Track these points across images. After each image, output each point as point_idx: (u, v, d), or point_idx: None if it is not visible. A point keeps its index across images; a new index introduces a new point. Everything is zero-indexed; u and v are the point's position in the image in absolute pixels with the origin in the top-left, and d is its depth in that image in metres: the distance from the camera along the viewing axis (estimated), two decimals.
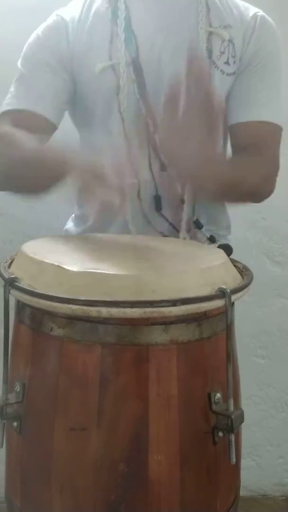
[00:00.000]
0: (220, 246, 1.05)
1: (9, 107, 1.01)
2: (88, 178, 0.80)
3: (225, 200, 1.04)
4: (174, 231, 1.03)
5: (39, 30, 1.04)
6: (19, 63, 1.04)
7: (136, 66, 0.98)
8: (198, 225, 1.04)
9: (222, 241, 1.09)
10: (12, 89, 1.03)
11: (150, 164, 1.00)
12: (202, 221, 1.04)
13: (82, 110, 1.05)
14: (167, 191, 1.01)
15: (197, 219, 1.04)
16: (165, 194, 1.02)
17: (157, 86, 0.98)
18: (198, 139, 0.83)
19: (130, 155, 0.98)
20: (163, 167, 1.00)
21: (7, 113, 1.01)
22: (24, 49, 1.04)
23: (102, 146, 1.03)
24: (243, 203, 1.05)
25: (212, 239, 1.06)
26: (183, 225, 1.02)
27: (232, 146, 1.06)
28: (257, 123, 1.02)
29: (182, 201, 1.02)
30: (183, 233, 1.02)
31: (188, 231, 1.03)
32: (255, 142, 1.01)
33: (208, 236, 1.06)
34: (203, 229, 1.05)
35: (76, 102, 1.05)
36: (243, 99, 1.03)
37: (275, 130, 1.04)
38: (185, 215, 1.02)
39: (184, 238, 1.02)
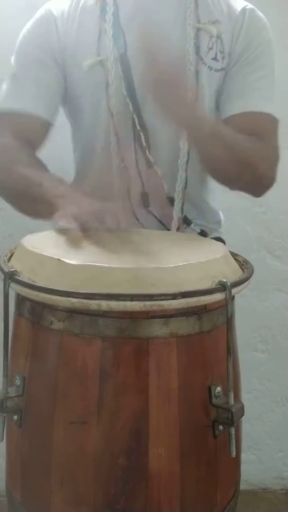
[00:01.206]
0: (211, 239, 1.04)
1: (3, 106, 1.01)
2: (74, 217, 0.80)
3: (220, 167, 0.99)
4: (163, 228, 1.02)
5: (28, 25, 1.03)
6: (12, 59, 1.03)
7: (124, 62, 0.97)
8: (187, 222, 1.04)
9: (214, 234, 1.08)
10: (5, 86, 1.02)
11: (136, 161, 1.00)
12: (191, 217, 1.04)
13: (73, 106, 1.05)
14: (153, 188, 1.01)
15: (185, 216, 1.03)
16: (152, 191, 1.01)
17: (143, 82, 0.96)
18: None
19: (119, 150, 0.99)
20: (149, 164, 1.00)
21: (2, 115, 1.01)
22: (16, 45, 1.04)
23: (92, 145, 1.03)
24: (243, 185, 1.02)
25: (203, 234, 1.06)
26: (173, 223, 1.02)
27: None
28: (251, 114, 1.01)
29: (170, 199, 1.02)
30: (173, 230, 1.02)
31: (177, 228, 1.03)
32: (252, 134, 1.00)
33: (199, 231, 1.06)
34: (193, 224, 1.04)
35: (67, 97, 1.05)
36: (235, 92, 1.02)
37: (270, 121, 1.03)
38: (175, 215, 1.02)
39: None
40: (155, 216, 1.02)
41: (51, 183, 0.89)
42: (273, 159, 1.02)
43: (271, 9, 1.09)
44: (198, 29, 0.99)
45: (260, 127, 1.02)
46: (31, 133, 1.00)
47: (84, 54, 0.98)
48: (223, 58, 1.01)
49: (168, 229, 1.02)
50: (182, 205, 1.02)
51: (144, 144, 0.99)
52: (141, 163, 1.00)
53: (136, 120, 0.98)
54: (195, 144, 0.96)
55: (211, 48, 1.00)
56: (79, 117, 1.05)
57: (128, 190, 1.01)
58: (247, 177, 0.98)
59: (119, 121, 0.99)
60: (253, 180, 1.00)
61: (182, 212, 1.02)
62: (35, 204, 0.90)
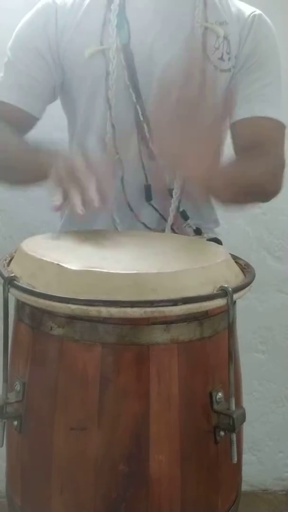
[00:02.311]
0: (208, 240, 1.04)
1: None
2: (65, 177, 0.80)
3: (235, 201, 1.00)
4: (163, 221, 1.02)
5: (29, 14, 1.03)
6: (8, 47, 1.03)
7: (127, 52, 0.97)
8: (184, 216, 1.03)
9: (210, 234, 1.08)
10: (0, 75, 1.03)
11: (140, 153, 0.99)
12: (188, 213, 1.04)
13: (69, 95, 1.05)
14: (155, 180, 1.01)
15: (183, 210, 1.03)
16: (154, 183, 1.01)
17: (147, 75, 0.98)
18: (199, 136, 0.82)
19: (115, 142, 0.99)
20: (151, 156, 0.99)
21: None
22: (14, 32, 1.04)
23: (87, 136, 1.03)
24: (252, 203, 1.04)
25: (198, 232, 1.05)
26: (171, 216, 1.02)
27: (235, 146, 1.05)
28: (259, 120, 1.02)
29: (171, 191, 1.01)
30: (169, 223, 1.02)
31: (175, 222, 1.02)
32: (259, 140, 1.00)
33: (194, 228, 1.05)
34: (189, 221, 1.04)
35: (63, 87, 1.05)
36: (241, 97, 1.02)
37: (277, 127, 1.04)
38: (173, 205, 1.01)
39: (172, 227, 1.01)
40: (156, 210, 1.02)
41: (33, 144, 0.92)
42: (280, 170, 1.03)
43: (276, 13, 1.09)
44: (206, 29, 1.00)
45: (266, 133, 1.02)
46: (16, 123, 1.01)
47: (86, 42, 0.98)
48: (229, 59, 1.01)
49: (168, 223, 1.02)
50: (180, 199, 1.02)
51: (147, 135, 0.98)
52: (144, 155, 1.00)
53: (139, 111, 0.98)
54: (210, 194, 0.95)
55: (217, 48, 1.00)
56: (75, 107, 1.05)
57: (122, 183, 1.00)
58: (256, 200, 1.02)
59: (117, 112, 0.99)
60: (262, 199, 1.03)
61: (179, 207, 1.02)
62: (25, 171, 0.91)
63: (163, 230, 1.02)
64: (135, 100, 0.98)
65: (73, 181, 0.79)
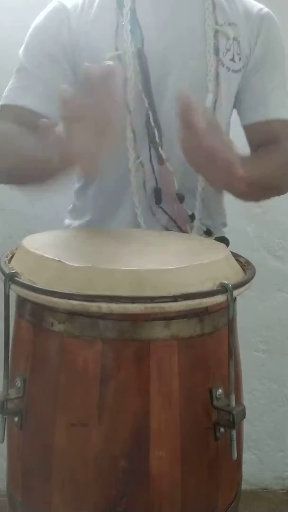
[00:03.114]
0: (216, 239, 1.05)
1: (10, 102, 1.00)
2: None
3: (252, 198, 1.02)
4: (174, 224, 1.03)
5: (39, 18, 1.02)
6: (20, 52, 1.02)
7: (141, 57, 0.97)
8: (193, 219, 1.04)
9: (218, 233, 1.09)
10: (12, 80, 1.02)
11: (150, 157, 1.00)
12: (199, 216, 1.04)
13: None
14: (165, 184, 1.01)
15: (193, 213, 1.04)
16: (164, 187, 1.01)
17: (160, 79, 0.98)
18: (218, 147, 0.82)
19: (136, 147, 0.99)
20: (161, 161, 1.00)
21: (7, 107, 1.00)
22: (26, 38, 1.03)
23: None
24: (267, 197, 1.05)
25: (208, 233, 1.06)
26: (182, 219, 1.02)
27: (249, 144, 1.08)
28: (272, 122, 1.04)
29: (179, 196, 1.02)
30: (183, 226, 1.02)
31: (184, 224, 1.03)
32: (272, 138, 1.03)
33: (205, 229, 1.06)
34: (200, 223, 1.04)
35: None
36: (255, 100, 1.04)
37: (285, 125, 1.06)
38: (182, 209, 1.02)
39: (182, 228, 1.02)
40: (166, 212, 1.03)
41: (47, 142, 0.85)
42: None
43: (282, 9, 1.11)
44: (216, 31, 1.00)
45: (278, 133, 1.05)
46: (30, 126, 0.99)
47: (101, 47, 0.97)
48: (240, 59, 1.02)
49: (179, 226, 1.03)
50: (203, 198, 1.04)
51: (158, 140, 0.99)
52: (154, 160, 1.00)
53: (151, 116, 0.98)
54: (228, 191, 0.96)
55: (228, 50, 1.01)
56: None
57: (144, 186, 1.01)
58: (271, 194, 1.04)
59: (135, 117, 0.99)
60: (277, 194, 1.05)
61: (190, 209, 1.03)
62: (43, 168, 0.85)
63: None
64: (147, 105, 0.98)
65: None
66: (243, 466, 0.81)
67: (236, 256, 0.81)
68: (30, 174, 0.91)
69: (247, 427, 0.77)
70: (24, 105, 0.98)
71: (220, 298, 0.66)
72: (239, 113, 1.09)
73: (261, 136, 1.06)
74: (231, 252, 0.79)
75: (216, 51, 1.00)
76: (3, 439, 0.69)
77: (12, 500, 0.77)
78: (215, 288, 0.66)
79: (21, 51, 1.02)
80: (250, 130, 1.07)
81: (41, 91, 0.98)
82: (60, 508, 0.69)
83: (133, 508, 0.66)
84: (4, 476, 0.80)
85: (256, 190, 0.96)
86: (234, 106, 1.08)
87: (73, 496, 0.68)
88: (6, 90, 1.02)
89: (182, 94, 0.81)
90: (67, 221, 1.14)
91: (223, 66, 1.00)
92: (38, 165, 0.87)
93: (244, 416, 0.68)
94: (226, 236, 1.10)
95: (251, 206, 1.55)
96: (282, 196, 1.45)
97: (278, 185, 1.03)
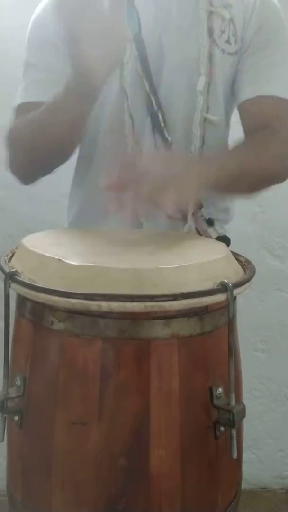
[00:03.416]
0: (218, 238, 1.04)
1: (22, 100, 1.01)
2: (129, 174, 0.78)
3: (237, 191, 1.00)
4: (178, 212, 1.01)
5: (37, 10, 1.03)
6: (24, 50, 1.02)
7: (138, 42, 0.97)
8: (198, 206, 1.03)
9: (220, 230, 1.08)
10: (22, 80, 1.02)
11: (155, 141, 1.00)
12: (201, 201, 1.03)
13: None
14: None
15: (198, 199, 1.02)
16: None
17: (158, 64, 0.98)
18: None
19: (134, 133, 0.98)
20: (167, 145, 0.99)
21: (22, 106, 1.01)
22: (27, 34, 1.03)
23: (100, 129, 1.02)
24: (263, 188, 1.02)
25: (210, 222, 1.05)
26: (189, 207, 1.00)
27: (244, 127, 1.04)
28: (264, 99, 1.00)
29: None
30: (189, 215, 1.01)
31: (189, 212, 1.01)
32: (266, 120, 0.99)
33: (207, 218, 1.05)
34: (202, 210, 1.03)
35: None
36: (249, 76, 1.01)
37: (282, 106, 1.01)
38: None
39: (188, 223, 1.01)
40: None
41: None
42: (286, 151, 1.00)
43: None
44: (211, 13, 0.99)
45: (273, 113, 1.00)
46: None
47: None
48: (235, 41, 1.01)
49: (184, 213, 1.00)
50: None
51: (162, 124, 0.98)
52: (159, 145, 1.00)
53: (153, 100, 0.98)
54: (208, 192, 0.94)
55: (223, 31, 1.00)
56: None
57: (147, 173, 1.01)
58: (265, 182, 1.00)
59: (133, 102, 0.98)
60: (276, 182, 1.01)
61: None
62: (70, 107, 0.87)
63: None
64: (148, 89, 0.98)
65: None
66: (242, 465, 0.81)
67: (236, 255, 0.81)
68: (58, 137, 0.91)
69: (246, 426, 0.77)
70: (37, 100, 0.98)
71: (220, 297, 0.66)
72: (232, 93, 1.05)
73: (253, 117, 1.01)
74: (231, 251, 0.79)
75: (210, 32, 0.99)
76: (3, 438, 0.69)
77: (12, 499, 0.77)
78: (215, 287, 0.66)
79: (24, 48, 1.03)
80: (243, 112, 1.02)
81: (50, 81, 0.98)
82: (60, 507, 0.69)
83: (133, 507, 0.66)
84: (4, 475, 0.79)
85: (245, 183, 0.94)
86: (232, 93, 1.04)
87: (73, 495, 0.68)
88: (18, 91, 1.02)
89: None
90: (67, 219, 1.14)
91: (218, 48, 0.99)
92: (62, 116, 0.87)
93: (244, 415, 0.68)
94: (228, 235, 1.09)
95: (251, 205, 1.56)
96: (282, 196, 1.46)
97: (271, 174, 0.99)
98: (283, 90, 1.01)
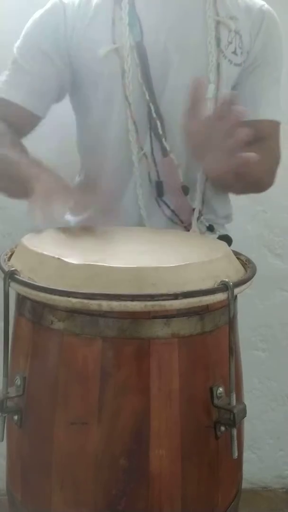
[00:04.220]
0: (219, 237, 1.04)
1: (1, 95, 1.02)
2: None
3: (232, 190, 1.06)
4: (176, 217, 1.02)
5: (37, 15, 1.03)
6: (15, 47, 1.03)
7: (140, 50, 0.97)
8: (185, 190, 1.04)
9: (221, 231, 1.08)
10: (6, 73, 1.03)
11: (152, 150, 1.00)
12: (199, 208, 1.04)
13: (82, 94, 1.05)
14: (169, 176, 1.01)
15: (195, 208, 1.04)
16: (167, 179, 1.01)
17: (161, 71, 0.98)
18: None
19: (138, 139, 1.00)
20: (165, 153, 1.00)
21: None
22: (22, 33, 1.03)
23: (101, 131, 1.03)
24: (246, 193, 1.07)
25: (210, 228, 1.06)
26: (185, 212, 1.02)
27: None
28: (261, 122, 1.05)
29: (184, 188, 1.02)
30: (186, 219, 1.02)
31: (188, 218, 1.03)
32: (259, 137, 1.01)
33: (207, 225, 1.05)
34: (202, 217, 1.04)
35: (75, 87, 1.04)
36: (249, 95, 1.04)
37: (275, 126, 1.08)
38: (186, 202, 1.02)
39: (187, 226, 1.02)
40: (168, 206, 1.02)
41: (28, 164, 0.92)
42: (275, 167, 1.07)
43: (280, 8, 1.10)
44: (218, 23, 1.01)
45: (266, 132, 1.05)
46: (19, 123, 1.02)
47: (98, 41, 0.98)
48: (241, 53, 1.03)
49: (181, 219, 1.02)
50: (204, 191, 1.05)
51: (160, 132, 0.99)
52: (157, 152, 1.01)
53: (152, 108, 0.99)
54: (214, 180, 0.98)
55: (230, 42, 1.02)
56: (89, 106, 1.05)
57: (150, 178, 1.01)
58: (249, 191, 1.06)
59: (135, 109, 0.99)
60: (256, 191, 1.07)
61: (203, 199, 1.05)
62: (11, 183, 0.92)
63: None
64: (148, 98, 0.99)
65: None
66: (243, 465, 0.81)
67: (236, 254, 0.80)
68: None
69: (246, 426, 0.77)
70: (12, 101, 1.00)
71: (220, 296, 0.65)
72: None
73: None
74: (232, 250, 0.79)
75: (218, 42, 1.00)
76: (3, 438, 0.69)
77: (12, 499, 0.77)
78: (215, 286, 0.66)
79: (16, 44, 1.03)
80: None
81: (29, 86, 1.00)
82: (60, 507, 0.69)
83: (133, 507, 0.66)
84: (4, 475, 0.79)
85: (241, 184, 0.96)
86: None
87: (73, 495, 0.68)
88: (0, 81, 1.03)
89: (193, 78, 0.82)
90: (68, 217, 1.14)
91: (225, 58, 1.01)
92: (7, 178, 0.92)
93: (245, 415, 0.68)
94: (230, 234, 1.10)
95: (252, 204, 1.55)
96: (281, 195, 1.46)
97: (258, 183, 1.04)
98: (277, 113, 1.08)
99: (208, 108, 0.87)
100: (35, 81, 1.00)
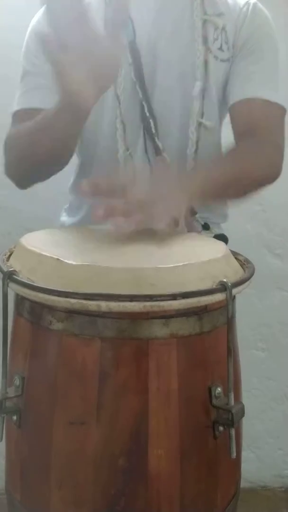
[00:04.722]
0: (215, 237, 1.04)
1: (19, 107, 1.02)
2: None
3: (229, 198, 1.03)
4: None
5: (33, 21, 1.04)
6: (21, 57, 1.04)
7: (133, 49, 0.98)
8: (192, 212, 1.04)
9: (217, 230, 1.08)
10: (19, 87, 1.03)
11: (145, 148, 1.00)
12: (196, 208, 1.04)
13: None
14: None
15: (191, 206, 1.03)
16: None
17: (152, 71, 0.99)
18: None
19: (125, 138, 1.00)
20: (158, 151, 1.01)
21: (19, 112, 1.02)
22: (24, 41, 1.04)
23: (96, 134, 1.03)
24: (254, 193, 1.03)
25: (206, 227, 1.06)
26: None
27: (234, 129, 1.05)
28: (255, 101, 1.01)
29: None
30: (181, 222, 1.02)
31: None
32: (254, 125, 1.00)
33: (203, 223, 1.05)
34: (197, 215, 1.04)
35: None
36: (239, 79, 1.03)
37: (276, 111, 1.03)
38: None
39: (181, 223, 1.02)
40: None
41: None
42: (278, 157, 1.02)
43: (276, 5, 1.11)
44: (205, 21, 1.01)
45: (261, 117, 1.01)
46: None
47: None
48: (228, 49, 1.03)
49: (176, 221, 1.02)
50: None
51: (153, 131, 1.00)
52: (150, 151, 1.01)
53: (145, 107, 0.99)
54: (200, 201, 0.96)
55: (216, 39, 1.02)
56: None
57: (134, 179, 1.00)
58: (255, 188, 1.02)
59: (126, 108, 1.00)
60: (261, 185, 1.03)
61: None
62: (69, 126, 0.86)
63: None
64: (141, 96, 0.99)
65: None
66: (242, 464, 0.81)
67: (235, 254, 0.80)
68: (47, 149, 0.91)
69: (245, 425, 0.77)
70: (33, 107, 0.99)
71: (219, 297, 0.65)
72: (226, 100, 1.07)
73: (241, 121, 1.03)
74: (230, 250, 0.79)
75: (205, 40, 1.01)
76: (1, 438, 0.69)
77: (10, 499, 0.77)
78: (214, 286, 0.66)
79: (22, 56, 1.04)
80: (233, 114, 1.04)
81: (42, 87, 0.99)
82: (59, 507, 0.69)
83: (132, 507, 0.66)
84: (3, 475, 0.79)
85: (237, 189, 0.95)
86: (224, 100, 1.06)
87: (72, 495, 0.68)
88: (15, 98, 1.03)
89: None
90: (62, 218, 1.14)
91: (212, 54, 1.01)
92: (52, 132, 0.87)
93: (243, 415, 0.68)
94: (225, 233, 1.10)
95: (251, 204, 1.55)
96: (281, 194, 1.46)
97: (257, 181, 1.01)
98: (272, 94, 1.02)
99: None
100: (46, 80, 0.98)
